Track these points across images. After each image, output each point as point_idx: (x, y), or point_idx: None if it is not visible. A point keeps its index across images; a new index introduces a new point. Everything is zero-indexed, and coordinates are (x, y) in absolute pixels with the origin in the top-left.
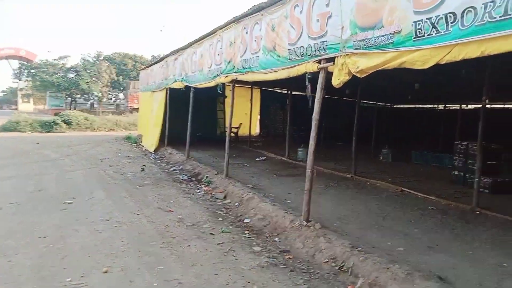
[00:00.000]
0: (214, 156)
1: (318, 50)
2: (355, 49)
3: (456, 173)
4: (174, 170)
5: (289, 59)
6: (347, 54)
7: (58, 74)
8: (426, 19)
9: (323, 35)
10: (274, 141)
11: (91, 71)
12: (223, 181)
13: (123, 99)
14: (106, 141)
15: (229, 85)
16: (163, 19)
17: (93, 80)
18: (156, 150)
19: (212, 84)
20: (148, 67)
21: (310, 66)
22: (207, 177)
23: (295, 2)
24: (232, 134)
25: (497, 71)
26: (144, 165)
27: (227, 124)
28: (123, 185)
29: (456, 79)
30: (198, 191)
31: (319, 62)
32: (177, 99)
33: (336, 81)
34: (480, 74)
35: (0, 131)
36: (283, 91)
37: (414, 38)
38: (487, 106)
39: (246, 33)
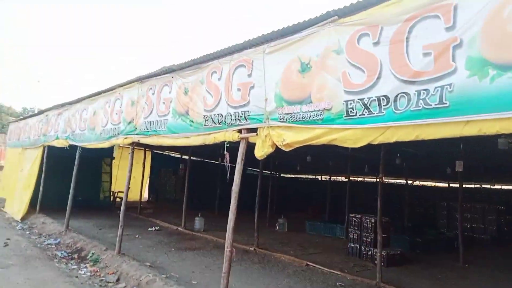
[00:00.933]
0: (98, 226)
1: (239, 119)
2: (280, 121)
3: (352, 245)
4: (49, 244)
5: (205, 125)
6: (271, 126)
7: None
8: (358, 99)
9: (245, 105)
10: (166, 208)
11: None
12: (114, 258)
13: None
14: None
15: (126, 146)
16: (43, 69)
17: None
18: (24, 218)
19: (106, 145)
20: (22, 119)
21: (230, 135)
22: (93, 253)
23: (213, 69)
24: (119, 199)
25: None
26: (8, 239)
27: (114, 188)
28: None
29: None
30: (83, 272)
31: (240, 131)
32: (54, 158)
33: (259, 153)
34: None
35: None
36: (176, 155)
37: (345, 116)
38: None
39: (153, 94)
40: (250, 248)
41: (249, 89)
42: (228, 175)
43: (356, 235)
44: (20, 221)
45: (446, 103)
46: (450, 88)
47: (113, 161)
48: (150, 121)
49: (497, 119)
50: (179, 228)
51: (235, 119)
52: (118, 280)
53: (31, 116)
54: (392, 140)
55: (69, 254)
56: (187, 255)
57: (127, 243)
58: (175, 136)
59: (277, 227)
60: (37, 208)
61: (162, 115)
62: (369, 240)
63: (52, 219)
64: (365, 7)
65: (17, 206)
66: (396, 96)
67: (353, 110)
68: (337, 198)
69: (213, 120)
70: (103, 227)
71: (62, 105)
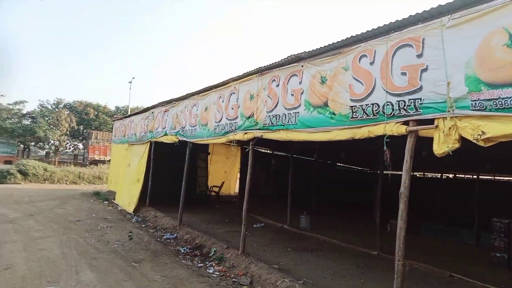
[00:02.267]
0: (204, 221)
1: (405, 109)
2: (474, 109)
3: (498, 254)
4: (167, 239)
5: (352, 117)
6: (458, 116)
7: (12, 119)
8: None
9: (414, 91)
10: (259, 203)
11: (49, 118)
12: (240, 258)
13: (83, 149)
14: (73, 197)
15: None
16: (133, 70)
17: (51, 128)
18: (135, 211)
19: (222, 140)
20: (126, 117)
21: (393, 128)
22: (215, 251)
23: (361, 52)
24: (213, 193)
25: None
26: (131, 232)
27: (210, 183)
28: (114, 260)
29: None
30: (211, 271)
31: (406, 123)
32: (159, 154)
33: (441, 149)
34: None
35: None
36: (267, 151)
37: None
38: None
39: (277, 85)
40: (373, 253)
41: (420, 73)
42: (389, 175)
43: (503, 243)
44: (133, 213)
45: None
46: None
47: (209, 156)
48: (275, 115)
49: None
50: (284, 226)
51: (399, 109)
52: (251, 283)
53: (135, 113)
54: None
55: (191, 250)
56: (307, 257)
57: (238, 240)
58: (310, 131)
59: (388, 228)
60: (147, 201)
61: (291, 108)
62: None
63: (162, 212)
64: None
65: (127, 199)
66: None
67: None
68: (454, 197)
69: (364, 111)
70: (209, 222)
71: (169, 102)
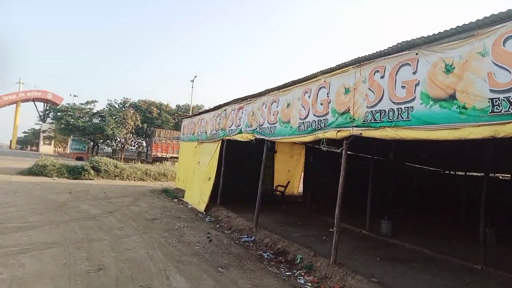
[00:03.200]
0: (277, 222)
1: None
2: None
3: None
4: (246, 242)
5: (493, 111)
6: None
7: (84, 118)
8: None
9: None
10: (326, 203)
11: (116, 117)
12: (332, 269)
13: (146, 146)
14: (143, 194)
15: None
16: (195, 69)
17: (118, 126)
18: (206, 210)
19: (308, 139)
20: (196, 115)
21: None
22: (301, 258)
23: (508, 33)
24: (278, 193)
25: None
26: (208, 233)
27: (276, 182)
28: (200, 264)
29: None
30: (302, 281)
31: None
32: (229, 153)
33: None
34: None
35: (27, 174)
36: (335, 150)
37: None
38: None
39: (381, 77)
40: (475, 266)
41: None
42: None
43: None
44: (204, 212)
45: None
46: None
47: (275, 155)
48: (378, 110)
49: None
50: (363, 231)
51: None
52: None
53: (206, 111)
54: None
55: (274, 256)
56: (401, 269)
57: (319, 245)
58: (430, 128)
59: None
60: (218, 200)
61: (401, 102)
62: None
63: (235, 212)
64: None
65: (197, 197)
66: None
67: None
68: None
69: None
70: (282, 223)
71: (244, 99)
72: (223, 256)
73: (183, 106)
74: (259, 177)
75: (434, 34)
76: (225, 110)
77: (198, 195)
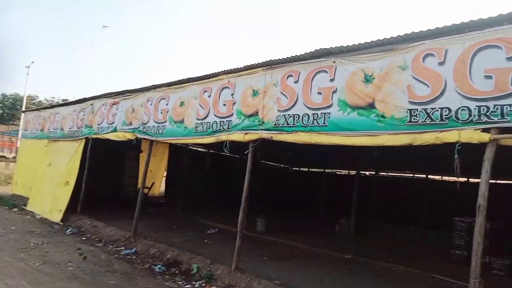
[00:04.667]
0: (150, 228)
1: (487, 115)
2: None
3: (458, 252)
4: (127, 255)
5: (410, 121)
6: None
7: None
8: None
9: (503, 97)
10: (201, 206)
11: None
12: (235, 276)
13: None
14: None
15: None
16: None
17: None
18: (64, 220)
19: (208, 140)
20: (46, 108)
21: (472, 135)
22: (198, 268)
23: (427, 50)
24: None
25: None
26: (79, 249)
27: (140, 184)
28: None
29: None
30: None
31: (486, 130)
32: (94, 153)
33: None
34: None
35: None
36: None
37: None
38: None
39: (295, 82)
40: (346, 256)
41: (511, 77)
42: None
43: (463, 241)
44: (61, 223)
45: None
46: None
47: (141, 154)
48: (292, 115)
49: None
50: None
51: (478, 115)
52: None
53: (62, 105)
54: None
55: (166, 268)
56: (290, 267)
57: (205, 250)
58: (347, 134)
59: (337, 228)
60: (79, 208)
61: (317, 107)
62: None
63: (101, 221)
64: None
65: (49, 205)
66: None
67: None
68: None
69: (429, 116)
70: (156, 229)
71: (120, 93)
72: (107, 276)
73: (11, 95)
74: (122, 179)
75: (350, 45)
76: (91, 104)
77: (50, 202)
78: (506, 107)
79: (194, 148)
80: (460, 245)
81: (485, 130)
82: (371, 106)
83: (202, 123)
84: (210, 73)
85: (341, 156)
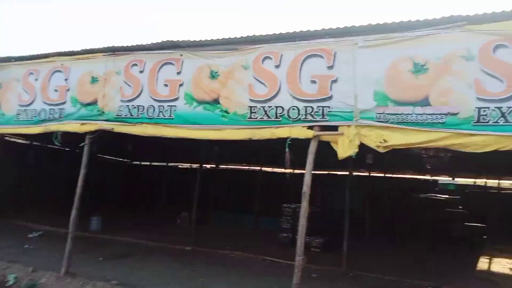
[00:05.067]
0: None
1: (312, 115)
2: (378, 121)
3: (285, 235)
4: None
5: (250, 117)
6: (363, 126)
7: None
8: (495, 107)
9: (324, 100)
10: (14, 203)
11: None
12: (65, 281)
13: None
14: None
15: None
16: None
17: None
18: None
19: (35, 130)
20: None
21: (299, 132)
22: (15, 277)
23: (265, 54)
24: None
25: None
26: None
27: None
28: None
29: None
30: None
31: (310, 128)
32: None
33: (345, 153)
34: None
35: None
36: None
37: (474, 122)
38: None
39: (141, 71)
40: (187, 248)
41: (330, 83)
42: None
43: (289, 225)
44: None
45: None
46: None
47: None
48: (137, 106)
49: None
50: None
51: (305, 114)
52: None
53: None
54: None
55: None
56: (129, 264)
57: (28, 257)
58: (194, 127)
59: (178, 221)
60: None
61: (164, 99)
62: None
63: None
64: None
65: None
66: None
67: (487, 117)
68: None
69: (266, 113)
70: None
71: None
72: None
73: None
74: None
75: (197, 40)
76: None
77: None
78: (326, 108)
79: (13, 139)
80: (287, 229)
81: (310, 128)
82: (216, 101)
83: (26, 110)
84: (38, 53)
85: (183, 150)
